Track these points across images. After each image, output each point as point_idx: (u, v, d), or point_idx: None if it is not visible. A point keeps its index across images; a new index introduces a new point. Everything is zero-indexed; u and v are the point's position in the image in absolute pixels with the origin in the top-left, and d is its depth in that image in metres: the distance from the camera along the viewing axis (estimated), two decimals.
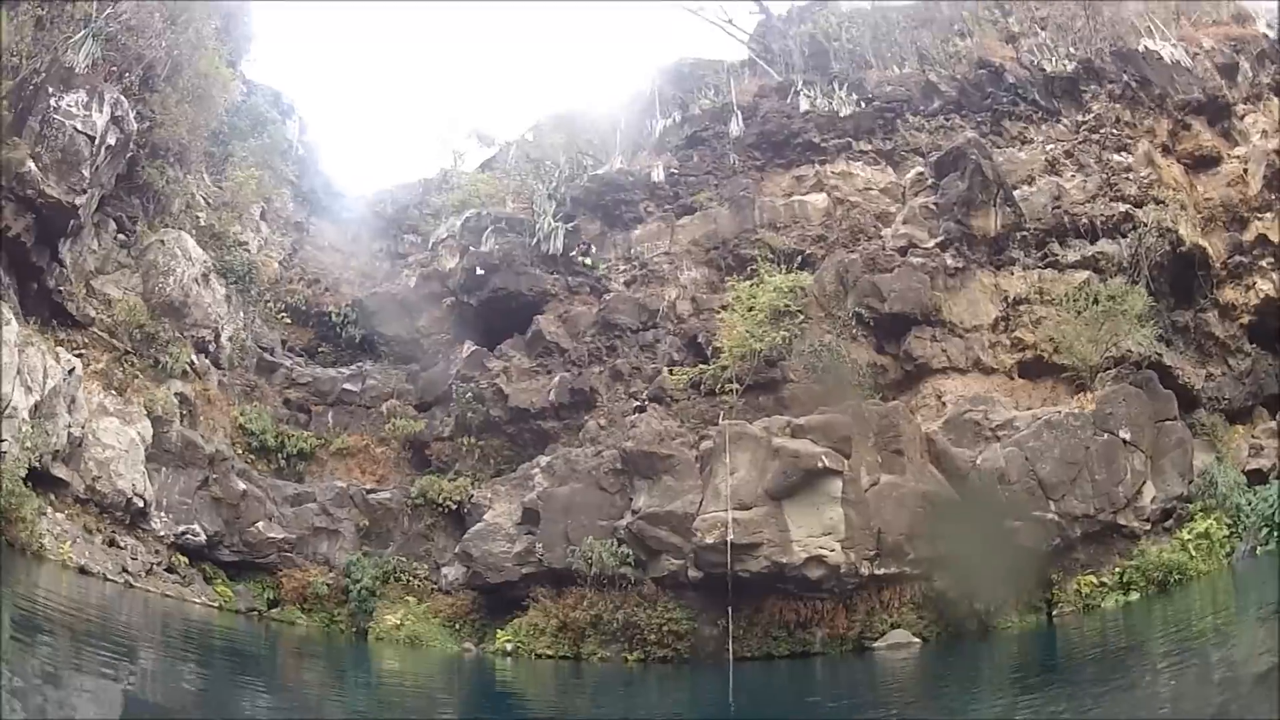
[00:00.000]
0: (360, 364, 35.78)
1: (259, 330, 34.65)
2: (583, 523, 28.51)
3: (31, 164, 24.47)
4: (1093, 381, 28.84)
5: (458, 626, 29.71)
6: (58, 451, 22.91)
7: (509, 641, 27.82)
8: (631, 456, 28.81)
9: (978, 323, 30.53)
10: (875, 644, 25.50)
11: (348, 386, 34.46)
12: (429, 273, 37.99)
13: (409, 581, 30.41)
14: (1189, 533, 26.08)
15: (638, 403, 31.44)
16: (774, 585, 26.06)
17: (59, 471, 23.04)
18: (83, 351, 26.78)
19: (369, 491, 31.40)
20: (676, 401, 31.11)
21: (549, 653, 27.29)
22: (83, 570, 21.54)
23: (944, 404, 29.14)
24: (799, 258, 32.38)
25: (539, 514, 29.17)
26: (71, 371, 23.93)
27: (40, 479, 22.32)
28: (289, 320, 37.00)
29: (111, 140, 27.96)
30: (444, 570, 31.01)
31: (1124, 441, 26.93)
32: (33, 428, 21.53)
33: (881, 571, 25.69)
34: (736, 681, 22.57)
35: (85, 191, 26.50)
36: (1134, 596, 25.02)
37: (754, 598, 26.46)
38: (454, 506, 31.23)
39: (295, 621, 28.09)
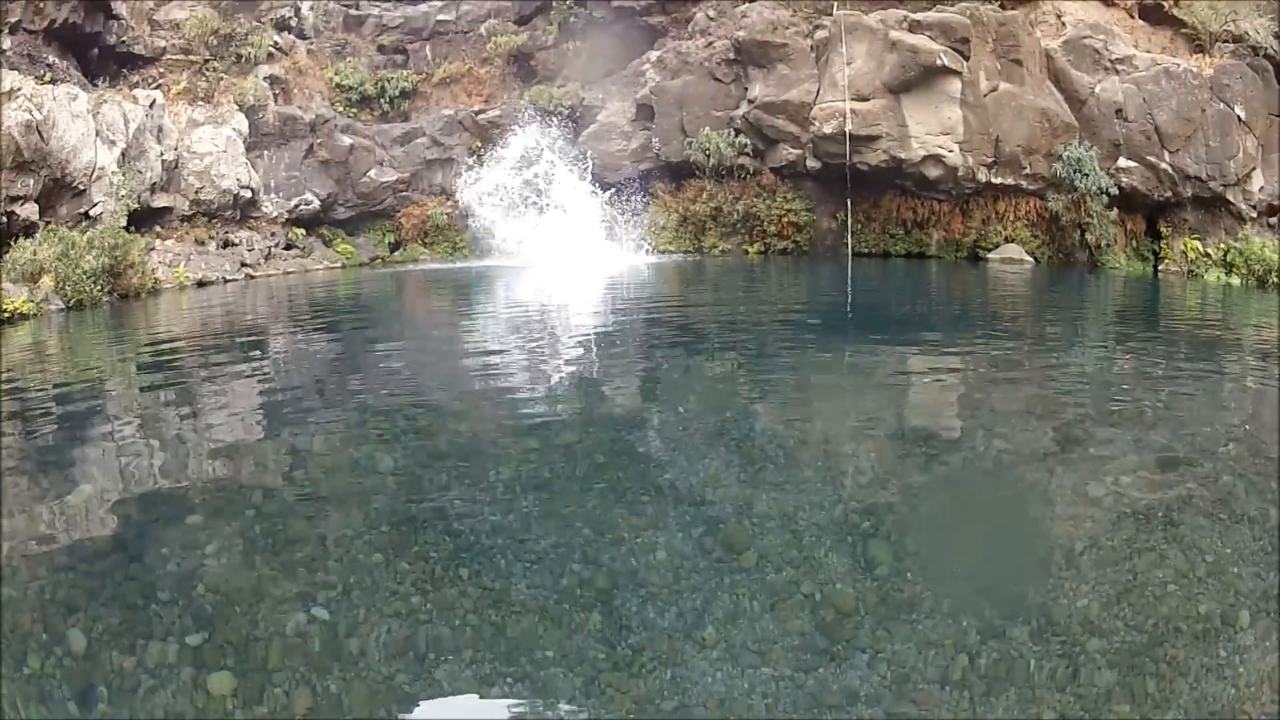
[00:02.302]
0: None
1: None
2: (698, 114, 28.46)
3: None
4: (1210, 48, 26.83)
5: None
6: (155, 183, 23.51)
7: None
8: (744, 46, 28.06)
9: None
10: (989, 255, 25.57)
11: (441, 17, 33.39)
12: None
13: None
14: None
15: None
16: (892, 181, 26.09)
17: (160, 201, 23.80)
18: (161, 82, 26.95)
19: (478, 113, 31.36)
20: None
21: (670, 248, 28.17)
22: (201, 283, 22.77)
23: (1063, 24, 27.07)
24: None
25: (653, 109, 29.12)
26: (153, 104, 24.09)
27: (144, 217, 23.17)
28: None
29: None
30: None
31: (1239, 119, 25.41)
32: (124, 175, 22.32)
33: (998, 181, 25.41)
34: (855, 275, 23.05)
35: None
36: (1235, 280, 24.34)
37: (872, 192, 26.56)
38: (566, 112, 31.14)
39: (419, 258, 29.46)
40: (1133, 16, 27.77)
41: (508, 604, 4.59)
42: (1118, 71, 25.60)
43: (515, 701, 3.86)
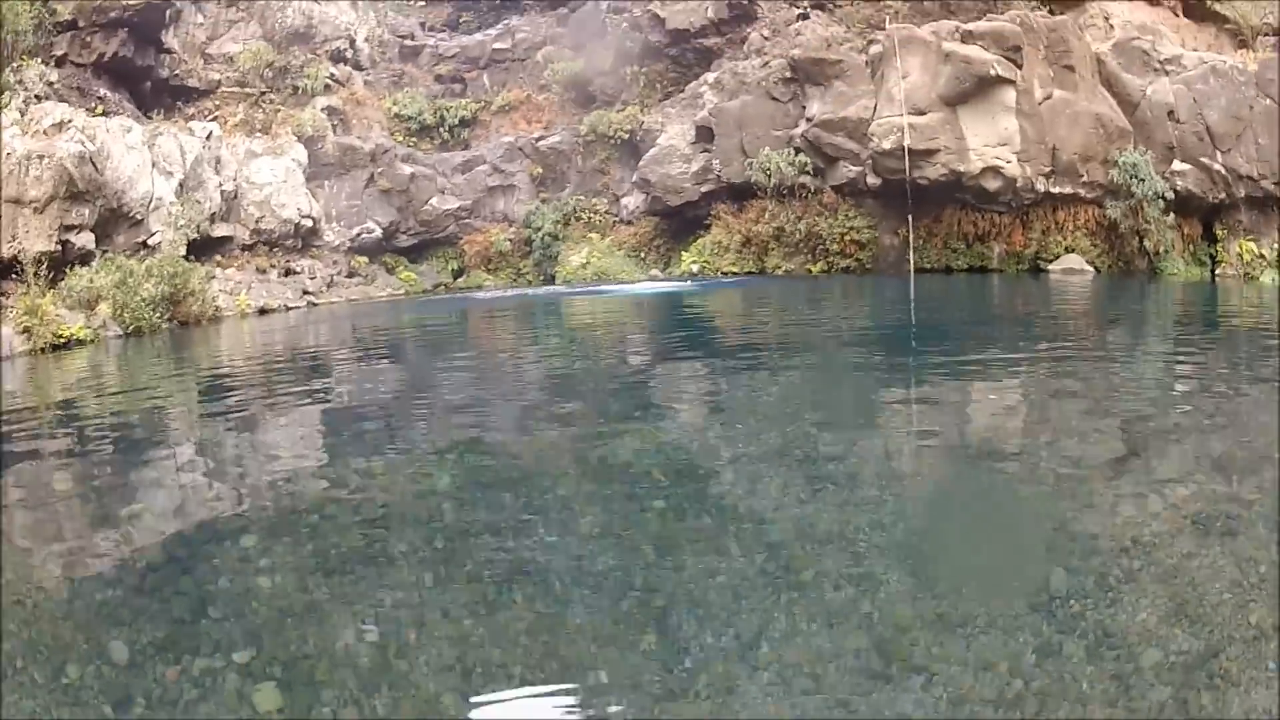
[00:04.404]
0: (505, 21, 34.91)
1: (394, 21, 34.09)
2: (757, 135, 28.51)
3: None
4: (1253, 42, 27.05)
5: (643, 255, 30.72)
6: (214, 213, 24.07)
7: (694, 263, 28.73)
8: (800, 64, 28.10)
9: None
10: (1050, 266, 25.43)
11: (498, 46, 33.83)
12: None
13: (589, 219, 31.33)
14: None
15: (800, 10, 29.92)
16: (952, 195, 26.05)
17: (220, 230, 24.33)
18: (217, 115, 27.56)
19: (538, 139, 31.68)
20: (839, 7, 29.63)
21: (734, 270, 28.13)
22: (263, 310, 23.21)
23: (1111, 27, 26.98)
24: None
25: (712, 130, 29.28)
26: (209, 136, 24.62)
27: (204, 246, 23.73)
28: (422, 2, 36.02)
29: None
30: (623, 201, 31.66)
31: None
32: (182, 205, 22.80)
33: (1057, 190, 25.36)
34: (917, 292, 22.81)
35: None
36: None
37: (933, 208, 26.48)
38: (626, 136, 31.31)
39: (482, 284, 29.68)
40: (1177, 15, 27.91)
41: (562, 627, 4.53)
42: (1167, 72, 25.50)
43: None
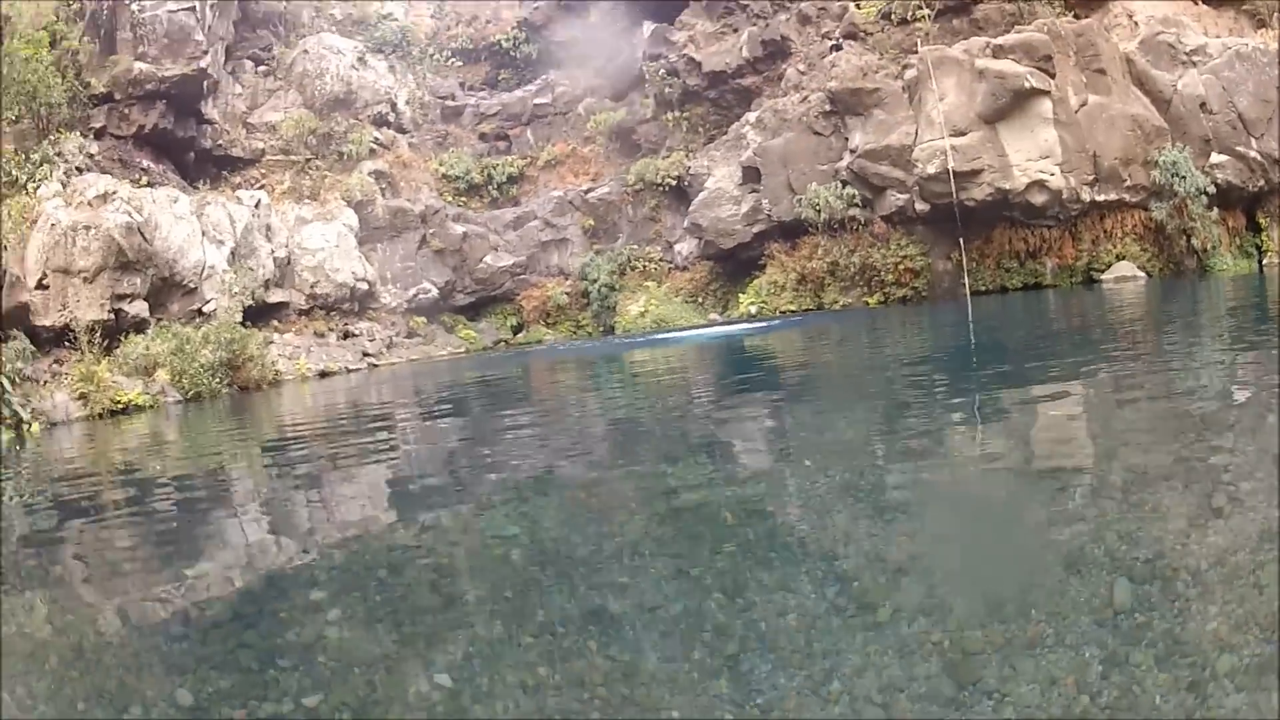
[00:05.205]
0: (544, 77, 35.39)
1: (433, 83, 34.73)
2: (803, 170, 28.66)
3: (138, 65, 25.24)
4: (1270, 20, 27.22)
5: (700, 300, 30.85)
6: (269, 280, 24.58)
7: (752, 304, 28.79)
8: (838, 96, 28.26)
9: None
10: (1102, 276, 25.26)
11: (539, 101, 34.30)
12: None
13: (644, 267, 31.53)
14: None
15: (832, 42, 30.12)
16: (1000, 214, 26.01)
17: (275, 296, 24.81)
18: (264, 183, 28.10)
19: (586, 191, 32.00)
20: (870, 35, 29.83)
21: (792, 308, 28.11)
22: (324, 374, 23.55)
23: (1135, 24, 26.89)
24: None
25: (758, 170, 29.45)
26: (258, 204, 25.16)
27: (260, 312, 24.18)
28: (460, 63, 36.74)
29: None
30: (676, 248, 31.85)
31: None
32: (235, 272, 23.26)
33: (1101, 198, 25.28)
34: (975, 314, 22.61)
35: (206, 53, 27.20)
36: None
37: (982, 228, 26.43)
38: (674, 183, 31.54)
39: (542, 339, 29.89)
40: (1196, 2, 27.99)
41: (636, 673, 4.54)
42: (1194, 63, 25.62)
43: None
